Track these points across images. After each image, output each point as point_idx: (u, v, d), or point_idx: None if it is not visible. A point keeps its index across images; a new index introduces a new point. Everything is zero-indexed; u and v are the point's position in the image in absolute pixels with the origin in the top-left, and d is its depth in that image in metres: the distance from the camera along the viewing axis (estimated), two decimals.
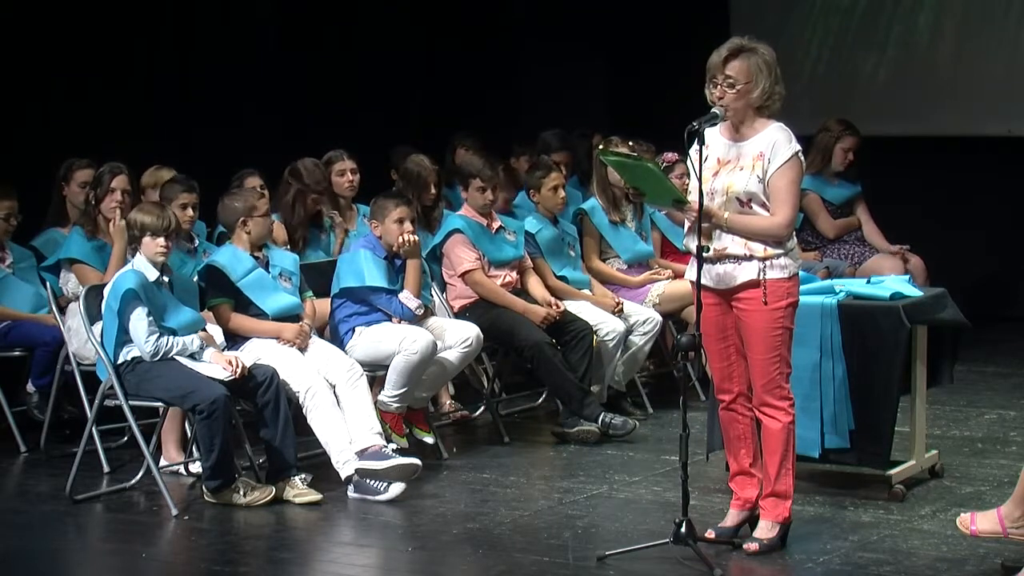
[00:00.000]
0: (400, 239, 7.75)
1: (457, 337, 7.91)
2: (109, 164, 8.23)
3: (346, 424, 7.23)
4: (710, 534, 6.28)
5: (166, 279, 7.18)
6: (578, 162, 10.22)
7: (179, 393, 7.01)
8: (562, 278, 8.70)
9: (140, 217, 7.19)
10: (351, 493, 7.16)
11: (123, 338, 7.10)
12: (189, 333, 7.16)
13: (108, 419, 7.76)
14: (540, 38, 12.45)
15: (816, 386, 6.85)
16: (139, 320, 7.05)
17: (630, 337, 8.64)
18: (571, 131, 10.38)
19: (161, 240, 7.13)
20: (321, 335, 7.80)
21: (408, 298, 7.78)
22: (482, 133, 10.27)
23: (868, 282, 7.17)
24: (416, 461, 7.25)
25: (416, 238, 7.80)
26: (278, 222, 8.31)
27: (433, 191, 8.77)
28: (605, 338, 8.45)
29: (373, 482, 7.12)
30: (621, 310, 8.65)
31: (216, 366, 7.08)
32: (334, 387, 7.33)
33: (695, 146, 6.02)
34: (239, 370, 7.06)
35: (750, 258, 6.08)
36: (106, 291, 7.18)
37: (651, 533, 6.37)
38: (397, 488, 7.10)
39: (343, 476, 7.19)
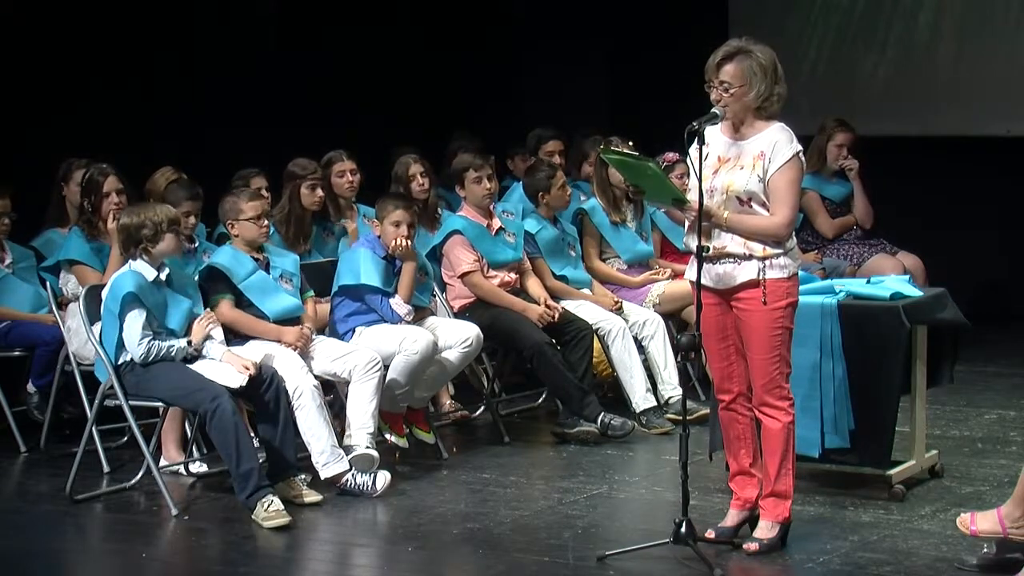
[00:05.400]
0: (394, 242, 7.77)
1: (457, 337, 7.91)
2: (95, 167, 8.15)
3: (330, 428, 7.27)
4: (710, 534, 6.28)
5: (163, 275, 7.15)
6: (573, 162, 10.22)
7: (181, 392, 7.00)
8: (562, 278, 8.70)
9: (158, 216, 7.10)
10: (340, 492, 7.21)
11: (123, 340, 7.09)
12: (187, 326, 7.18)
13: (108, 419, 7.77)
14: (540, 38, 12.46)
15: (816, 386, 6.84)
16: (134, 322, 7.03)
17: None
18: (571, 131, 10.37)
19: (184, 230, 7.30)
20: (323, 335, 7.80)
21: (399, 304, 7.78)
22: (482, 133, 10.27)
23: (868, 282, 7.17)
24: (374, 453, 7.30)
25: (409, 243, 7.80)
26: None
27: (420, 181, 8.77)
28: (605, 337, 8.48)
29: (363, 479, 7.17)
30: (620, 309, 8.65)
31: (231, 369, 7.04)
32: (348, 381, 7.42)
33: (695, 145, 6.02)
34: (253, 371, 7.05)
35: (749, 257, 6.07)
36: (104, 292, 7.17)
37: (651, 533, 6.36)
38: (383, 478, 7.17)
39: (323, 477, 7.21)
